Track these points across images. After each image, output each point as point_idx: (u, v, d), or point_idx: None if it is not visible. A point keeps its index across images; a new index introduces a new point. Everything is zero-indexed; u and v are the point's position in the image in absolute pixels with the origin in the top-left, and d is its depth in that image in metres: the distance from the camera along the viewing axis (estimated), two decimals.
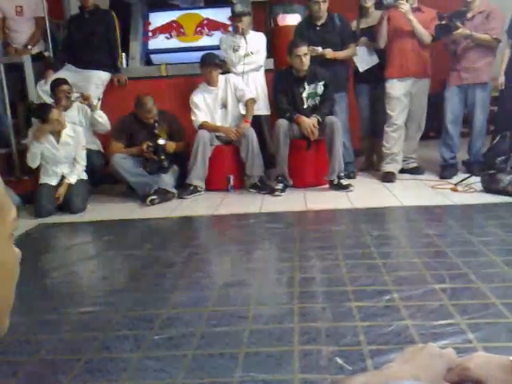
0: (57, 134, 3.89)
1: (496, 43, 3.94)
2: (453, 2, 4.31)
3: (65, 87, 4.19)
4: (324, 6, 4.24)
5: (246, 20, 4.43)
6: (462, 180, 3.83)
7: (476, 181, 3.75)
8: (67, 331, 1.85)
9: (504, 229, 2.72)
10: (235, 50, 4.42)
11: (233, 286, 2.18)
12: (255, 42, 4.47)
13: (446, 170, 4.18)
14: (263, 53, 4.50)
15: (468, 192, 3.64)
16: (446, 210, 3.23)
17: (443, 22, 3.99)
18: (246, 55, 4.43)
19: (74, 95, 4.23)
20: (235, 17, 4.43)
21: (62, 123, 3.85)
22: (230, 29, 5.09)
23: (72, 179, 3.90)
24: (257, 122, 4.50)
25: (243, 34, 4.39)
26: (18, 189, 3.89)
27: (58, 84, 4.21)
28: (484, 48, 3.96)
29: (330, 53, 4.16)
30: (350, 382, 0.72)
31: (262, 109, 4.50)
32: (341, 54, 4.27)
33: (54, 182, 3.93)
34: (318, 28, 4.32)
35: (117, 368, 1.57)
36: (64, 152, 3.91)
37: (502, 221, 2.91)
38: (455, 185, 3.78)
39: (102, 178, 4.35)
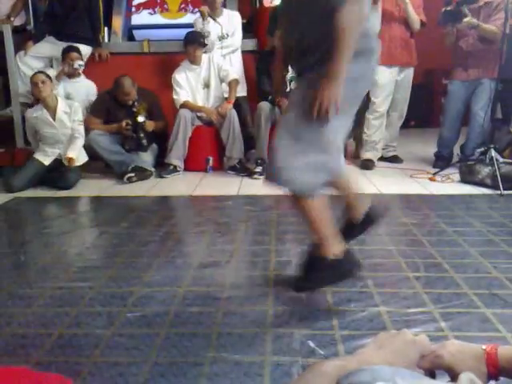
0: (52, 111, 3.79)
1: (501, 35, 3.73)
2: None
3: (72, 55, 4.17)
4: None
5: None
6: (440, 170, 3.88)
7: (454, 171, 3.79)
8: (40, 306, 1.83)
9: (480, 220, 2.77)
10: (206, 37, 4.31)
11: (208, 267, 2.18)
12: (230, 24, 4.37)
13: (439, 160, 4.22)
14: (239, 34, 4.42)
15: (446, 182, 3.68)
16: (423, 200, 3.26)
17: (449, 8, 3.90)
18: (222, 38, 4.35)
19: (77, 63, 4.18)
20: None
21: (43, 89, 3.71)
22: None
23: (72, 153, 3.77)
24: (235, 103, 4.46)
25: (212, 18, 4.27)
26: None
27: (68, 50, 4.19)
28: (489, 42, 3.83)
29: None
30: (323, 366, 0.73)
31: (240, 90, 4.45)
32: None
33: (47, 161, 3.82)
34: None
35: (89, 344, 1.56)
36: (61, 129, 3.80)
37: (479, 212, 2.95)
38: (433, 175, 3.83)
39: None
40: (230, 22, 4.40)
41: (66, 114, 3.82)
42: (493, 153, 3.52)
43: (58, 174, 3.76)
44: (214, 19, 4.33)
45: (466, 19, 3.81)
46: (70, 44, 4.28)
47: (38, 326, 1.69)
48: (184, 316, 1.73)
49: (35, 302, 1.87)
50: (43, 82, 3.71)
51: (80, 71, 4.28)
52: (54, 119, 3.79)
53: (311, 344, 1.53)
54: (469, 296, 1.84)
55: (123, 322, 1.70)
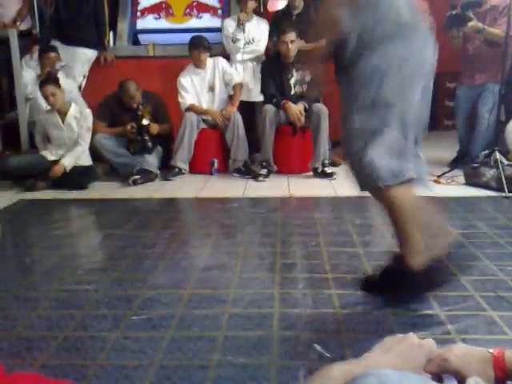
0: (63, 114, 3.82)
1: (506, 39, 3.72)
2: None
3: (51, 55, 4.11)
4: None
5: (252, 4, 4.36)
6: (445, 172, 3.86)
7: (459, 174, 3.78)
8: (45, 308, 1.83)
9: (485, 222, 2.75)
10: (234, 41, 4.37)
11: (213, 269, 2.17)
12: (258, 30, 4.42)
13: (455, 161, 4.25)
14: (264, 41, 4.46)
15: (451, 184, 3.67)
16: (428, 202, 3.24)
17: (454, 12, 3.86)
18: (247, 43, 4.39)
19: (59, 64, 4.15)
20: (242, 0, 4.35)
21: (55, 102, 3.73)
22: (219, 12, 5.03)
23: (67, 161, 3.77)
24: (251, 107, 4.48)
25: (243, 25, 4.33)
26: None
27: (45, 50, 4.15)
28: (496, 46, 3.80)
29: (303, 45, 4.12)
30: (330, 370, 0.72)
31: (257, 96, 4.47)
32: (312, 45, 4.26)
33: (51, 158, 3.87)
34: (293, 17, 4.31)
35: (94, 347, 1.56)
36: (68, 133, 3.84)
37: (484, 214, 2.94)
38: (438, 177, 3.81)
39: None
40: (258, 28, 4.44)
41: (75, 120, 3.84)
42: (497, 155, 3.50)
43: (69, 174, 3.78)
44: (243, 28, 4.35)
45: (470, 23, 3.79)
46: (74, 48, 4.29)
47: (44, 328, 1.69)
48: (189, 319, 1.72)
49: (40, 304, 1.87)
50: (53, 95, 3.72)
51: (61, 72, 4.18)
52: (63, 122, 3.81)
53: (318, 347, 1.52)
54: (475, 298, 1.83)
55: (129, 325, 1.69)
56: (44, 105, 3.97)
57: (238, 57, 4.42)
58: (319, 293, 1.91)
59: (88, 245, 2.63)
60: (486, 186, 3.47)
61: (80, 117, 3.84)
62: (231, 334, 1.62)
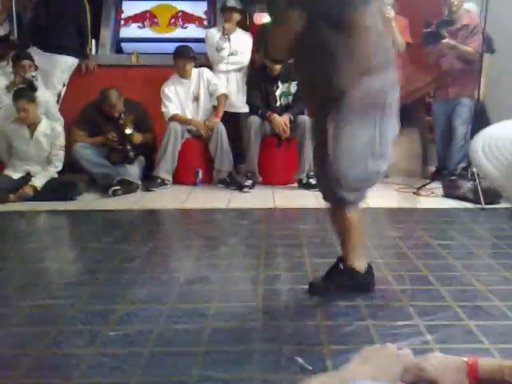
0: (32, 128, 3.69)
1: (478, 56, 3.86)
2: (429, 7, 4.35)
3: (24, 62, 3.96)
4: None
5: (236, 17, 4.39)
6: (424, 185, 3.91)
7: (438, 186, 3.83)
8: (17, 325, 1.76)
9: (463, 233, 2.80)
10: (218, 50, 4.38)
11: (195, 283, 2.12)
12: (241, 42, 4.44)
13: (434, 173, 4.32)
14: (248, 53, 4.48)
15: (430, 196, 3.73)
16: (408, 213, 3.28)
17: (429, 30, 4.05)
18: (231, 54, 4.39)
19: (30, 73, 3.96)
20: (227, 10, 4.37)
21: (25, 117, 3.60)
22: (205, 23, 5.03)
23: (38, 182, 3.64)
24: (235, 119, 4.47)
25: (228, 35, 4.33)
26: None
27: (19, 57, 3.99)
28: (468, 62, 4.00)
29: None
30: None
31: (242, 107, 4.47)
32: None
33: (16, 176, 3.71)
34: None
35: (69, 365, 1.49)
36: (35, 149, 3.70)
37: (462, 226, 3.00)
38: (418, 189, 3.86)
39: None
40: (242, 40, 4.45)
41: (45, 137, 3.72)
42: (474, 168, 3.54)
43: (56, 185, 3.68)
44: (229, 37, 4.37)
45: (444, 40, 4.01)
46: (54, 55, 4.20)
47: (15, 346, 1.62)
48: (169, 334, 1.67)
49: (12, 321, 1.79)
50: (25, 111, 3.59)
51: (35, 82, 3.97)
52: (32, 136, 3.70)
53: (299, 360, 1.49)
54: (453, 308, 1.84)
55: (105, 341, 1.63)
56: (14, 113, 3.74)
57: (222, 67, 4.41)
58: (302, 305, 1.89)
59: (64, 258, 2.56)
60: (464, 198, 3.53)
61: (51, 134, 3.72)
62: (212, 348, 1.58)
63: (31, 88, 3.75)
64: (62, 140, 3.77)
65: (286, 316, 1.80)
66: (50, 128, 3.75)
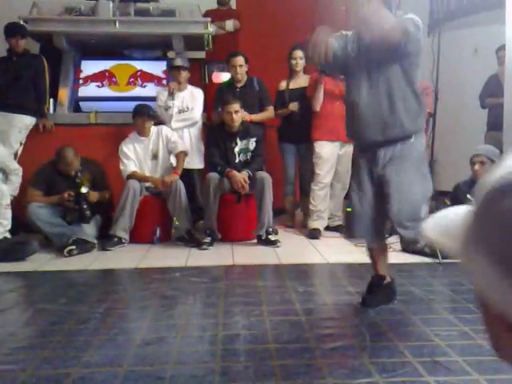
0: None
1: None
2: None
3: None
4: (241, 70, 4.47)
5: (185, 75, 4.53)
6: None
7: (396, 241, 3.89)
8: None
9: (421, 288, 2.83)
10: (166, 109, 4.49)
11: (151, 344, 2.07)
12: (191, 99, 4.55)
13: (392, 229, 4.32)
14: (199, 109, 4.59)
15: (389, 251, 3.75)
16: (367, 268, 3.29)
17: None
18: (181, 111, 4.50)
19: None
20: (175, 69, 4.51)
21: None
22: (164, 82, 5.15)
23: None
24: (189, 175, 4.50)
25: (173, 94, 4.46)
26: None
27: None
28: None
29: (246, 116, 4.30)
30: None
31: (196, 163, 4.53)
32: (257, 117, 4.46)
33: None
34: (237, 90, 4.50)
35: None
36: None
37: (420, 280, 3.03)
38: None
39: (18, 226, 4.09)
40: (192, 97, 4.56)
41: None
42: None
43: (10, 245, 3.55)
44: (173, 97, 4.47)
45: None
46: (11, 114, 4.18)
47: None
48: None
49: None
50: None
51: None
52: None
53: None
54: (413, 364, 1.85)
55: None
56: None
57: (173, 125, 4.50)
58: (261, 364, 1.86)
59: (16, 321, 2.45)
60: (422, 253, 3.60)
61: None
62: None
63: None
64: (7, 199, 3.68)
65: (244, 377, 1.76)
66: None
